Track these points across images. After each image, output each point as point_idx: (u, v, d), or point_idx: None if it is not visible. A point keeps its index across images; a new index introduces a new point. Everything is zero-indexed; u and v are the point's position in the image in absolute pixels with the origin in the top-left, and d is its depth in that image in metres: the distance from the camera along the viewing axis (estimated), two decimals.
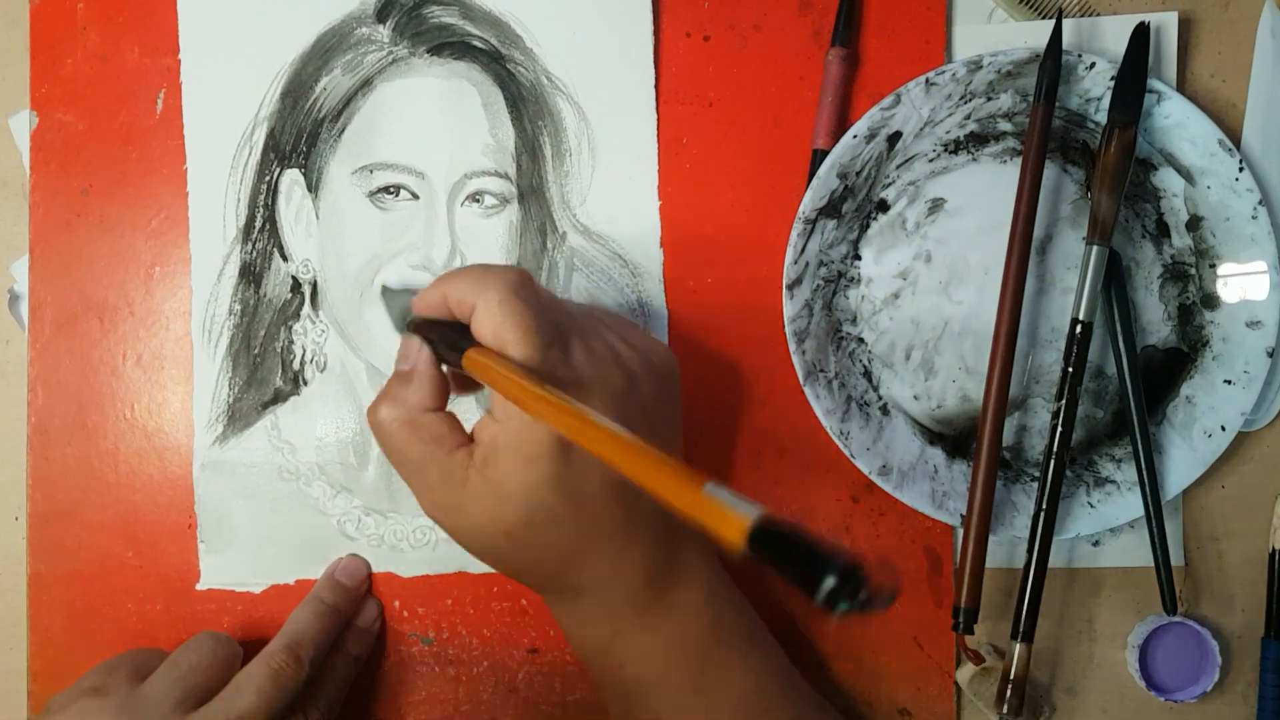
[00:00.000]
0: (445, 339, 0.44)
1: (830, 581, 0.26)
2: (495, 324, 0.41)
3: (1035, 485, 0.52)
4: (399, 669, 0.55)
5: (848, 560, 0.26)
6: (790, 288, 0.52)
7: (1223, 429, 0.52)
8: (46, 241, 0.55)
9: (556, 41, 0.54)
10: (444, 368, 0.44)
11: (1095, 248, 0.50)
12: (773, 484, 0.54)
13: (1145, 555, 0.53)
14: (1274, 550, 0.53)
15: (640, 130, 0.54)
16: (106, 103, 0.54)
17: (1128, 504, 0.52)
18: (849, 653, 0.54)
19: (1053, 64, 0.50)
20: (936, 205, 0.53)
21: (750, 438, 0.54)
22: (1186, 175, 0.52)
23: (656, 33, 0.54)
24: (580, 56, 0.54)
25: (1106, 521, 0.52)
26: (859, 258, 0.53)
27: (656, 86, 0.54)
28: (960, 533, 0.51)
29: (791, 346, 0.52)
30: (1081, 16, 0.53)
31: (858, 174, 0.52)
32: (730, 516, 0.28)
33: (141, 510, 0.54)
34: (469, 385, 0.47)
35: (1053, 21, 0.50)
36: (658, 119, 0.54)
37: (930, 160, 0.53)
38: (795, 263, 0.52)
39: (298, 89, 0.54)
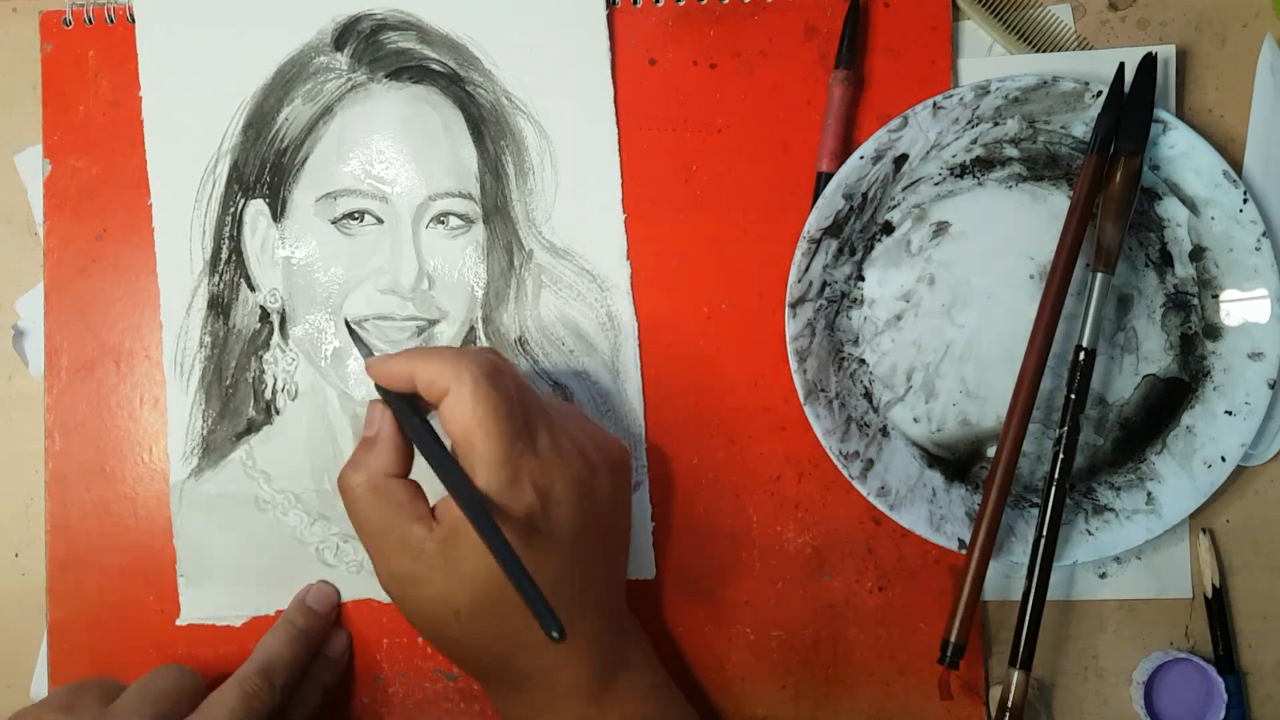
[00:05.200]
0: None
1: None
2: (466, 413, 0.42)
3: (1034, 511, 0.52)
4: (423, 706, 0.54)
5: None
6: (793, 306, 0.52)
7: (1223, 459, 0.51)
8: (61, 287, 0.55)
9: (515, 62, 0.54)
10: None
11: (1100, 275, 0.50)
12: (794, 507, 0.54)
13: (1151, 587, 0.53)
14: None
15: (601, 145, 0.54)
16: (119, 148, 0.55)
17: (1126, 532, 0.51)
18: (878, 676, 0.53)
19: (1112, 115, 0.50)
20: (941, 228, 0.53)
21: (768, 462, 0.54)
22: (1191, 205, 0.52)
23: (613, 49, 0.54)
24: (539, 76, 0.54)
25: (1104, 549, 0.51)
26: (862, 279, 0.53)
27: (615, 101, 0.54)
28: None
29: (793, 365, 0.52)
30: (1078, 50, 0.54)
31: (863, 195, 0.52)
32: None
33: (161, 555, 0.54)
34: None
35: (1059, 54, 0.51)
36: (618, 132, 0.54)
37: (936, 184, 0.53)
38: (799, 282, 0.52)
39: (260, 121, 0.54)
